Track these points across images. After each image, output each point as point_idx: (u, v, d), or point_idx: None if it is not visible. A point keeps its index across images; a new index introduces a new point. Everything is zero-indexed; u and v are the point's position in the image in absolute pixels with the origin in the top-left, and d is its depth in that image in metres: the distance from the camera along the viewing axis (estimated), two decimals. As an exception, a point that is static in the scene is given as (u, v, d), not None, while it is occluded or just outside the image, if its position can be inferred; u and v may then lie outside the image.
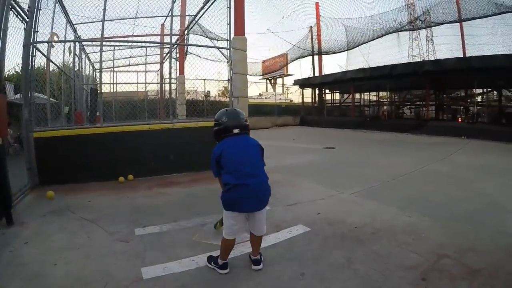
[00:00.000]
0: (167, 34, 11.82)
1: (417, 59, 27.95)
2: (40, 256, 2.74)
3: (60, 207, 4.18)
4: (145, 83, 14.99)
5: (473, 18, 20.25)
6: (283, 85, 38.36)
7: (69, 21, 9.54)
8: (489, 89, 18.88)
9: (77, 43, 10.07)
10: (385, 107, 25.61)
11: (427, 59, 25.50)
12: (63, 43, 8.76)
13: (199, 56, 10.38)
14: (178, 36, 11.70)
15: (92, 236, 3.20)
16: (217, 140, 2.55)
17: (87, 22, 9.56)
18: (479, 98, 21.39)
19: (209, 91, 15.44)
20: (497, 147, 10.83)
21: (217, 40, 10.43)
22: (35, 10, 5.93)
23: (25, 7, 5.58)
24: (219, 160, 2.39)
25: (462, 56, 21.68)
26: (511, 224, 3.57)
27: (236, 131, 2.48)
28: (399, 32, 25.67)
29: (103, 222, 3.57)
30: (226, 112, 2.58)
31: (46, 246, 2.95)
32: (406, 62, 23.60)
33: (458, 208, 4.14)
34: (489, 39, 22.06)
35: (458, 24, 22.93)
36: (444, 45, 27.17)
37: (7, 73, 6.02)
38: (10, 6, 4.70)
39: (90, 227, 3.45)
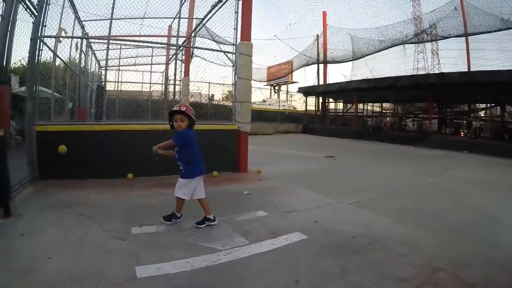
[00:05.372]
0: (174, 36, 11.89)
1: (422, 72, 28.05)
2: (34, 249, 2.72)
3: (58, 201, 4.17)
4: (150, 83, 15.13)
5: (479, 33, 20.31)
6: (287, 92, 38.41)
7: (77, 17, 9.61)
8: (492, 104, 18.85)
9: (84, 39, 10.13)
10: (388, 118, 25.62)
11: (432, 72, 25.55)
12: (70, 39, 8.82)
13: (205, 59, 10.44)
14: (184, 38, 11.76)
15: (88, 232, 3.17)
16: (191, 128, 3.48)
17: (95, 20, 9.61)
18: (482, 113, 21.41)
19: (213, 95, 15.48)
20: (498, 162, 10.83)
21: (224, 44, 10.49)
22: (44, 4, 5.97)
23: (35, 0, 5.62)
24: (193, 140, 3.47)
25: (466, 70, 21.73)
26: (504, 237, 3.60)
27: None
28: (405, 45, 25.78)
29: (100, 219, 3.55)
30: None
31: (41, 239, 2.93)
32: (411, 74, 23.66)
33: (454, 221, 4.13)
34: (495, 54, 22.10)
35: (464, 38, 23.01)
36: (449, 58, 27.36)
37: (13, 66, 6.05)
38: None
39: (87, 223, 3.43)
